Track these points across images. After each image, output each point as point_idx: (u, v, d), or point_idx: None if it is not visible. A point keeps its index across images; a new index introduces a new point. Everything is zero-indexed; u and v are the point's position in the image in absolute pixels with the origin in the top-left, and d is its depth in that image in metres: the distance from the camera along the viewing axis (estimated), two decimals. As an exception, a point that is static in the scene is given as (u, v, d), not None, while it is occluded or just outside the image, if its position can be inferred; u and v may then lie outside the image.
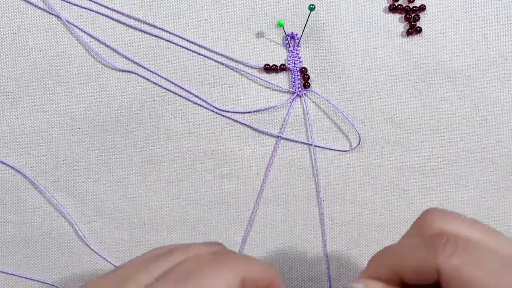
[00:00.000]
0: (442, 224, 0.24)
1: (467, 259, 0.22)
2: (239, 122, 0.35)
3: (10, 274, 0.35)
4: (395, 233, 0.34)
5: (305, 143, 0.34)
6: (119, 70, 0.35)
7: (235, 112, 0.35)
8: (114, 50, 0.35)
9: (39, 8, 0.35)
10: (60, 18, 0.35)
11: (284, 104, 0.35)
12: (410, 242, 0.25)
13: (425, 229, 0.25)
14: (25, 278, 0.35)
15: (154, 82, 0.35)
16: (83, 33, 0.35)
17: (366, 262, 0.34)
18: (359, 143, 0.34)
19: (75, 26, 0.35)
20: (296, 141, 0.34)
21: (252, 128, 0.35)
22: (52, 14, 0.35)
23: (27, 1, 0.35)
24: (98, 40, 0.35)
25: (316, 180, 0.34)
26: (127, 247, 0.35)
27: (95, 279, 0.22)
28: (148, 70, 0.35)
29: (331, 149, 0.34)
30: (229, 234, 0.35)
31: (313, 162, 0.34)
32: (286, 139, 0.35)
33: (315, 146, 0.34)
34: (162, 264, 0.22)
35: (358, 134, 0.34)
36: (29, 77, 0.35)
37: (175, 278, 0.20)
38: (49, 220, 0.35)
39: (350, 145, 0.34)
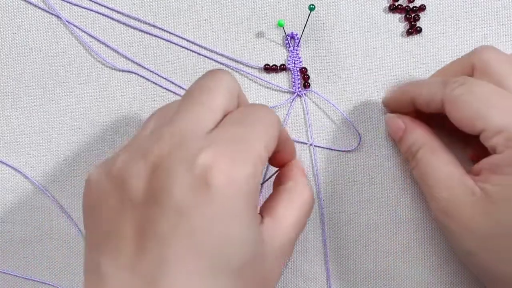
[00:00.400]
0: (487, 56, 0.29)
1: (469, 90, 0.27)
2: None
3: (10, 274, 0.35)
4: (395, 233, 0.34)
5: (304, 143, 0.34)
6: (119, 70, 0.35)
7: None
8: (114, 50, 0.35)
9: (39, 8, 0.35)
10: (60, 18, 0.35)
11: (284, 104, 0.35)
12: (433, 78, 0.32)
13: (471, 58, 0.30)
14: (25, 278, 0.35)
15: (154, 82, 0.35)
16: (83, 33, 0.35)
17: (366, 262, 0.34)
18: (359, 143, 0.34)
19: (75, 26, 0.35)
20: (296, 141, 0.34)
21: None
22: (52, 14, 0.35)
23: (27, 1, 0.35)
24: (98, 40, 0.35)
25: (316, 180, 0.34)
26: (127, 247, 0.35)
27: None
28: (148, 70, 0.35)
29: (331, 149, 0.34)
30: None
31: (313, 162, 0.34)
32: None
33: (315, 146, 0.34)
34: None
35: (359, 134, 0.34)
36: (29, 77, 0.35)
37: (230, 121, 0.25)
38: (49, 220, 0.35)
39: (351, 145, 0.34)
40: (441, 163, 0.29)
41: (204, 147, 0.23)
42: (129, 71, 0.35)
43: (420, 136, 0.31)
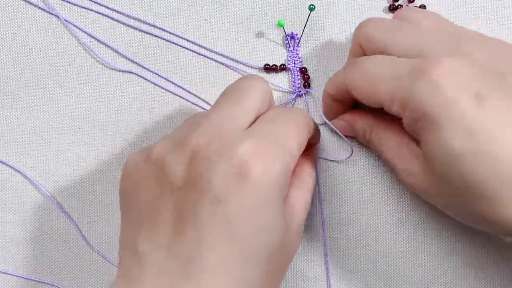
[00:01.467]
0: (366, 29, 0.30)
1: (360, 70, 0.28)
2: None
3: (9, 274, 0.35)
4: (395, 233, 0.34)
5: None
6: (119, 70, 0.35)
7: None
8: (114, 50, 0.35)
9: (39, 8, 0.35)
10: (60, 18, 0.35)
11: (284, 104, 0.35)
12: (338, 72, 0.31)
13: (356, 38, 0.31)
14: (25, 278, 0.35)
15: (154, 83, 0.35)
16: (83, 33, 0.35)
17: (366, 263, 0.34)
18: (351, 155, 0.34)
19: (75, 26, 0.35)
20: None
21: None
22: (52, 14, 0.35)
23: (27, 1, 0.35)
24: (98, 40, 0.35)
25: (316, 180, 0.34)
26: (127, 247, 0.35)
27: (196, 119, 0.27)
28: (148, 70, 0.35)
29: (325, 159, 0.34)
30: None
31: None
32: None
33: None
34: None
35: (351, 148, 0.34)
36: (29, 77, 0.35)
37: (266, 120, 0.27)
38: (49, 220, 0.35)
39: (350, 147, 0.34)
40: (390, 140, 0.30)
41: (243, 140, 0.24)
42: (129, 71, 0.35)
43: (364, 124, 0.31)
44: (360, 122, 0.32)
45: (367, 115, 0.32)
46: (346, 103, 0.32)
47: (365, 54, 0.30)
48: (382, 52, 0.29)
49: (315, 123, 0.31)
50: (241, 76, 0.35)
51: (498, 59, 0.27)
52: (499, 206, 0.24)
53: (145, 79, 0.35)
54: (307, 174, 0.30)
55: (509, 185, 0.24)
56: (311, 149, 0.32)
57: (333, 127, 0.32)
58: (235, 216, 0.24)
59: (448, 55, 0.26)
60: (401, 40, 0.28)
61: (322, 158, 0.34)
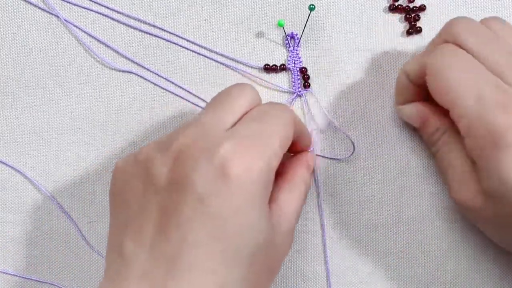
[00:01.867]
0: (457, 30, 0.28)
1: (446, 61, 0.27)
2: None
3: (10, 274, 0.35)
4: (395, 233, 0.34)
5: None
6: (119, 70, 0.35)
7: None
8: (114, 50, 0.35)
9: (39, 8, 0.35)
10: (60, 18, 0.35)
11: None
12: (422, 53, 0.31)
13: (442, 35, 0.29)
14: (25, 278, 0.35)
15: (154, 83, 0.35)
16: (83, 33, 0.35)
17: (366, 262, 0.34)
18: (352, 152, 0.34)
19: (75, 26, 0.35)
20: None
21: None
22: (52, 14, 0.35)
23: (27, 1, 0.35)
24: (98, 40, 0.35)
25: (316, 181, 0.34)
26: (127, 247, 0.35)
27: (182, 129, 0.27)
28: (148, 70, 0.35)
29: (325, 157, 0.34)
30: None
31: (313, 161, 0.34)
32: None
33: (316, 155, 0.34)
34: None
35: (353, 144, 0.34)
36: (29, 77, 0.35)
37: (249, 118, 0.27)
38: (49, 220, 0.35)
39: (352, 143, 0.34)
40: (458, 151, 0.29)
41: (225, 140, 0.25)
42: (129, 71, 0.35)
43: (439, 123, 0.30)
44: (434, 119, 0.31)
45: (442, 114, 0.30)
46: (420, 89, 0.30)
47: None
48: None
49: (300, 121, 0.30)
50: (241, 76, 0.35)
51: None
52: None
53: (145, 79, 0.35)
54: (299, 178, 0.30)
55: None
56: (305, 154, 0.32)
57: (335, 123, 0.32)
58: (218, 215, 0.24)
59: None
60: (492, 55, 0.27)
61: (323, 156, 0.34)
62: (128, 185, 0.26)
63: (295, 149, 0.32)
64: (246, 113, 0.28)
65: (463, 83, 0.27)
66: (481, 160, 0.26)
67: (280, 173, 0.29)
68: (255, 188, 0.24)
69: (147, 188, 0.25)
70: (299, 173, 0.30)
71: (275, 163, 0.26)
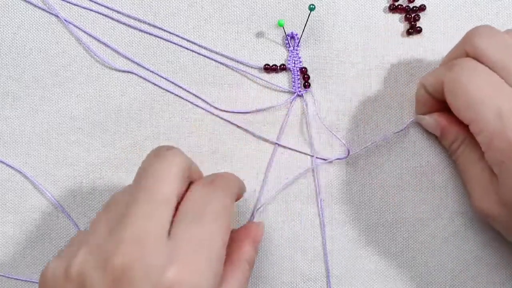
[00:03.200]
0: (479, 42, 0.28)
1: (466, 76, 0.27)
2: (238, 126, 0.35)
3: (9, 277, 0.35)
4: (395, 233, 0.34)
5: (303, 153, 0.34)
6: (119, 70, 0.35)
7: (234, 112, 0.35)
8: (114, 50, 0.35)
9: (39, 8, 0.35)
10: (60, 18, 0.35)
11: (284, 104, 0.35)
12: (441, 66, 0.31)
13: (463, 45, 0.29)
14: (24, 280, 0.35)
15: (154, 83, 0.35)
16: (83, 33, 0.35)
17: (366, 263, 0.34)
18: (347, 155, 0.34)
19: (75, 26, 0.35)
20: (294, 150, 0.34)
21: (251, 133, 0.35)
22: (52, 14, 0.35)
23: (27, 2, 0.35)
24: (98, 40, 0.35)
25: (316, 180, 0.34)
26: (127, 247, 0.35)
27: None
28: (148, 70, 0.35)
29: (320, 158, 0.34)
30: (229, 234, 0.35)
31: (313, 162, 0.34)
32: (283, 146, 0.35)
33: (313, 153, 0.34)
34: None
35: (347, 150, 0.34)
36: (29, 77, 0.35)
37: (187, 219, 0.25)
38: (49, 220, 0.35)
39: (351, 145, 0.34)
40: (476, 162, 0.29)
41: (168, 264, 0.23)
42: (129, 71, 0.35)
43: (458, 133, 0.30)
44: (453, 129, 0.31)
45: (461, 124, 0.30)
46: (440, 101, 0.31)
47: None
48: (490, 68, 0.27)
49: (243, 185, 0.29)
50: (241, 75, 0.35)
51: None
52: None
53: (145, 79, 0.35)
54: (243, 257, 0.28)
55: None
56: (252, 228, 0.30)
57: (326, 126, 0.32)
58: None
59: None
60: (511, 68, 0.27)
61: (319, 158, 0.34)
62: None
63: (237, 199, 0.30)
64: (181, 192, 0.26)
65: (482, 99, 0.26)
66: (501, 173, 0.27)
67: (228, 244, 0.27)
68: None
69: None
70: (243, 251, 0.28)
71: (221, 268, 0.25)
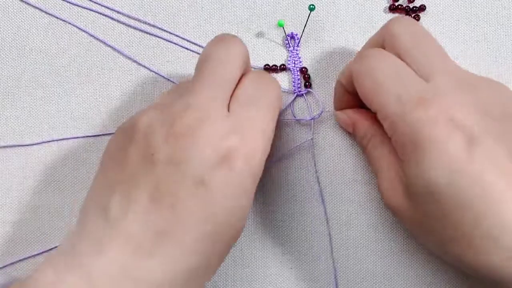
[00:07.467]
0: (396, 27, 0.29)
1: (370, 66, 0.28)
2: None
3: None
4: (395, 233, 0.34)
5: (302, 164, 0.34)
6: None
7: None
8: (114, 50, 0.35)
9: (39, 8, 0.35)
10: (60, 18, 0.35)
11: (284, 104, 0.35)
12: (353, 58, 0.31)
13: (382, 32, 0.30)
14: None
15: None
16: (83, 33, 0.35)
17: (366, 263, 0.34)
18: (320, 114, 0.34)
19: (75, 26, 0.35)
20: (292, 163, 0.34)
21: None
22: (52, 14, 0.35)
23: (26, 3, 0.35)
24: (98, 40, 0.35)
25: (317, 180, 0.34)
26: (127, 247, 0.35)
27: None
28: (148, 70, 0.35)
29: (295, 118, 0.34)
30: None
31: (314, 162, 0.34)
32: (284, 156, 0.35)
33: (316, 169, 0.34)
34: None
35: (322, 107, 0.34)
36: (29, 77, 0.35)
37: (244, 103, 0.27)
38: (49, 220, 0.35)
39: (351, 145, 0.34)
40: (383, 156, 0.30)
41: (229, 133, 0.26)
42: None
43: (367, 128, 0.31)
44: (363, 124, 0.31)
45: (372, 119, 0.31)
46: (355, 97, 0.31)
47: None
48: (399, 55, 0.28)
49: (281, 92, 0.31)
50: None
51: (501, 101, 0.27)
52: (471, 250, 0.25)
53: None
54: None
55: (483, 232, 0.24)
56: None
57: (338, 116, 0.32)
58: (214, 201, 0.25)
59: (455, 88, 0.26)
60: (422, 55, 0.28)
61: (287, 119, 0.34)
62: (125, 149, 0.26)
63: None
64: (239, 77, 0.28)
65: (385, 84, 0.27)
66: (403, 159, 0.27)
67: None
68: (251, 180, 0.26)
69: (145, 158, 0.25)
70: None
71: (269, 148, 0.28)
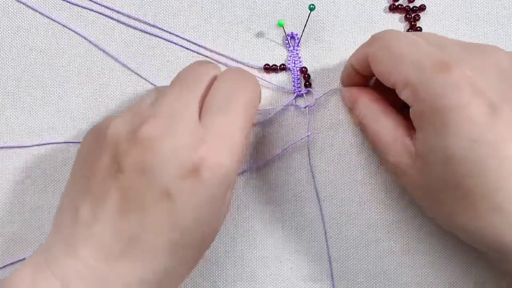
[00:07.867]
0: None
1: (384, 45, 0.28)
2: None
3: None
4: (395, 233, 0.34)
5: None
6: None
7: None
8: (114, 50, 0.35)
9: (39, 8, 0.35)
10: (60, 18, 0.35)
11: (284, 104, 0.35)
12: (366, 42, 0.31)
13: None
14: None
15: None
16: (83, 33, 0.35)
17: (366, 263, 0.34)
18: (313, 105, 0.34)
19: (75, 26, 0.35)
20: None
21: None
22: (52, 15, 0.35)
23: (27, 5, 0.35)
24: (98, 40, 0.35)
25: (315, 180, 0.34)
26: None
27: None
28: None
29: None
30: (229, 234, 0.35)
31: (312, 162, 0.34)
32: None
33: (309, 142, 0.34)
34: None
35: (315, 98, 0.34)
36: (29, 77, 0.35)
37: (216, 108, 0.27)
38: (49, 220, 0.35)
39: (351, 145, 0.34)
40: (385, 129, 0.29)
41: (198, 144, 0.25)
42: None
43: (364, 105, 0.31)
44: (362, 101, 0.31)
45: (373, 95, 0.31)
46: (366, 77, 0.32)
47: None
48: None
49: (260, 88, 0.31)
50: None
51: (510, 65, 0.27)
52: (480, 222, 0.25)
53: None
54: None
55: (495, 205, 0.24)
56: None
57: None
58: (180, 212, 0.25)
59: (469, 54, 0.26)
60: (430, 34, 0.29)
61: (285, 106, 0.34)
62: (95, 154, 0.27)
63: None
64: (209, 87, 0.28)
65: (403, 54, 0.27)
66: (421, 127, 0.26)
67: None
68: (222, 189, 0.26)
69: (112, 165, 0.26)
70: None
71: (241, 157, 0.27)
